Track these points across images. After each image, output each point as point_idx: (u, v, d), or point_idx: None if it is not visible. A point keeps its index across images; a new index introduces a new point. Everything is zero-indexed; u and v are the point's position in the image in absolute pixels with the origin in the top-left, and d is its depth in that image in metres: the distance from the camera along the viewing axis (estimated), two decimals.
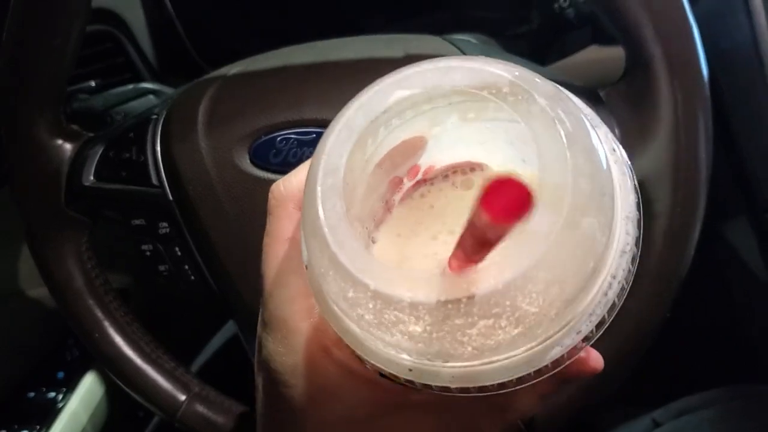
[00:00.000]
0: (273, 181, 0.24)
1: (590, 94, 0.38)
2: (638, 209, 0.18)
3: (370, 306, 0.17)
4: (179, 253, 0.42)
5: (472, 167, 0.23)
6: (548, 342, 0.17)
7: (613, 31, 0.35)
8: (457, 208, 0.23)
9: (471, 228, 0.15)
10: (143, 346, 0.44)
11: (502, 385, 0.18)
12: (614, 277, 0.17)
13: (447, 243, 0.22)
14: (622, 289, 0.18)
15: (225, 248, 0.41)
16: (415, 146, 0.22)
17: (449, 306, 0.16)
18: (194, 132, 0.40)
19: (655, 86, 0.34)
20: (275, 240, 0.23)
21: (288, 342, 0.22)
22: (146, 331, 0.45)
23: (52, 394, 0.57)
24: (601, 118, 0.36)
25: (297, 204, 0.23)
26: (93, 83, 0.57)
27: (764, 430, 0.47)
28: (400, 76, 0.19)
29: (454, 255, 0.17)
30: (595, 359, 0.22)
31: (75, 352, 0.62)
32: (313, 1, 0.66)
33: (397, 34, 0.45)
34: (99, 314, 0.43)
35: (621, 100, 0.36)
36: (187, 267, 0.43)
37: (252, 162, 0.40)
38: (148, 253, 0.43)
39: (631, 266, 0.18)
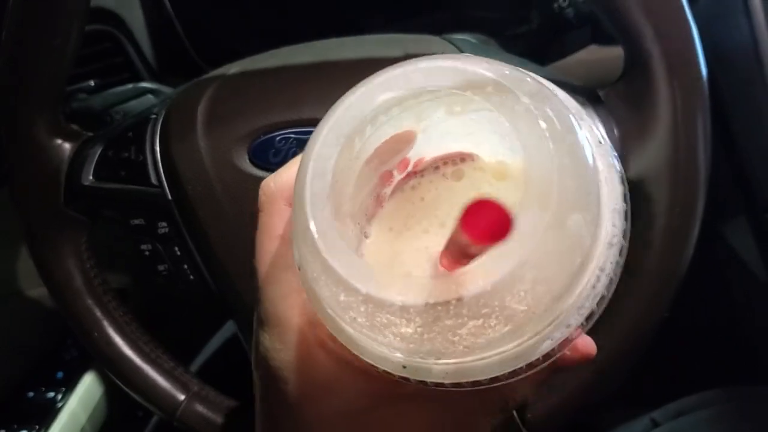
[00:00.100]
0: None
1: (589, 94, 0.38)
2: (625, 201, 0.19)
3: (362, 309, 0.17)
4: (178, 253, 0.42)
5: (462, 157, 0.24)
6: (538, 337, 0.17)
7: (613, 30, 0.35)
8: (448, 199, 0.23)
9: (453, 242, 0.16)
10: (142, 346, 0.44)
11: (494, 379, 0.18)
12: (602, 270, 0.17)
13: (438, 236, 0.22)
14: (611, 281, 0.18)
15: (224, 248, 0.41)
16: (404, 141, 0.22)
17: (439, 308, 0.17)
18: (193, 131, 0.40)
19: (654, 86, 0.34)
20: (267, 237, 0.23)
21: (283, 338, 0.22)
22: (145, 331, 0.45)
23: (51, 394, 0.57)
24: (600, 118, 0.36)
25: (287, 200, 0.23)
26: (92, 83, 0.57)
27: (762, 430, 0.47)
28: (384, 77, 0.20)
29: (443, 254, 0.18)
30: (587, 345, 0.22)
31: (74, 352, 0.62)
32: (313, 1, 0.66)
33: (397, 34, 0.45)
34: (98, 314, 0.43)
35: (620, 100, 0.36)
36: (186, 267, 0.43)
37: (251, 161, 0.40)
38: (147, 253, 0.43)
39: (619, 258, 0.18)
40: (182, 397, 0.44)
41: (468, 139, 0.23)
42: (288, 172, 0.23)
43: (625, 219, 0.18)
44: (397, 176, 0.23)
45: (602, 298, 0.18)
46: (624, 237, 0.18)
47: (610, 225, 0.18)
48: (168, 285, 0.44)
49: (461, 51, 0.42)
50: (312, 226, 0.18)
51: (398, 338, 0.17)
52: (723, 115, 0.44)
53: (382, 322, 0.17)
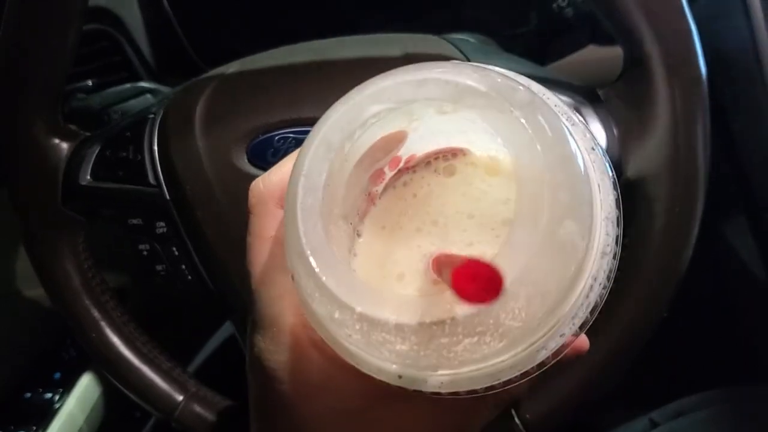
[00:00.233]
0: None
1: (589, 94, 0.38)
2: (618, 207, 0.18)
3: (357, 327, 0.18)
4: (176, 253, 0.42)
5: (453, 152, 0.24)
6: (532, 348, 0.17)
7: (612, 30, 0.35)
8: (440, 196, 0.23)
9: (443, 273, 0.16)
10: (140, 346, 0.44)
11: (490, 388, 0.18)
12: (595, 279, 0.18)
13: (431, 234, 0.22)
14: (604, 288, 0.18)
15: (222, 248, 0.41)
16: (394, 140, 0.22)
17: (434, 327, 0.17)
18: (191, 131, 0.40)
19: (653, 85, 0.34)
20: (258, 239, 0.23)
21: (278, 339, 0.22)
22: (143, 331, 0.45)
23: (49, 395, 0.57)
24: (600, 118, 0.36)
25: (278, 202, 0.23)
26: (90, 82, 0.57)
27: (762, 430, 0.47)
28: (375, 89, 0.19)
29: (434, 264, 0.18)
30: (579, 341, 0.23)
31: (72, 353, 0.61)
32: (312, 1, 0.65)
33: (396, 34, 0.45)
34: (96, 314, 0.43)
35: (620, 100, 0.36)
36: (184, 267, 0.43)
37: (250, 161, 0.40)
38: (145, 253, 0.43)
39: (612, 265, 0.18)
40: (180, 397, 0.44)
41: (460, 135, 0.23)
42: (277, 173, 0.23)
43: (617, 225, 0.18)
44: (389, 173, 0.23)
45: (595, 306, 0.18)
46: (617, 243, 0.18)
47: (603, 234, 0.18)
48: (166, 285, 0.44)
49: (461, 51, 0.42)
50: (305, 244, 0.18)
51: (394, 354, 0.17)
52: (722, 115, 0.44)
53: (377, 340, 0.17)
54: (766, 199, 0.44)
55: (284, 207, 0.20)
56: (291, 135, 0.39)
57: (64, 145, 0.42)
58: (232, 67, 0.44)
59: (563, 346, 0.18)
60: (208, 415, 0.44)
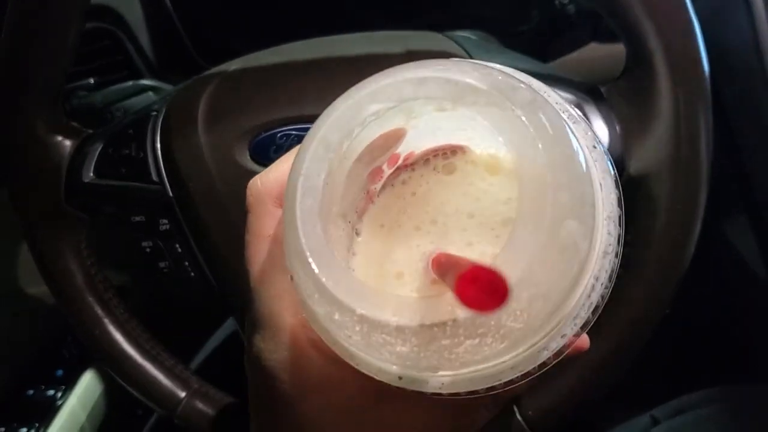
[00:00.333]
0: None
1: (591, 90, 0.38)
2: (620, 206, 0.18)
3: (357, 329, 0.18)
4: (179, 250, 0.42)
5: (453, 150, 0.23)
6: (534, 348, 0.17)
7: (614, 27, 0.35)
8: (439, 194, 0.23)
9: (444, 277, 0.16)
10: (143, 343, 0.44)
11: (491, 388, 0.18)
12: (597, 279, 0.17)
13: (430, 233, 0.22)
14: (606, 288, 0.18)
15: (225, 245, 0.41)
16: (393, 138, 0.22)
17: (435, 329, 0.17)
18: (194, 128, 0.40)
19: (655, 82, 0.34)
20: (257, 238, 0.23)
21: (277, 339, 0.22)
22: (146, 328, 0.45)
23: (51, 392, 0.57)
24: (602, 114, 0.36)
25: (276, 200, 0.23)
26: (92, 80, 0.57)
27: (762, 429, 0.47)
28: (374, 87, 0.19)
29: (434, 264, 0.18)
30: (580, 340, 0.23)
31: (74, 350, 0.62)
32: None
33: (398, 31, 0.45)
34: (99, 311, 0.43)
35: (622, 96, 0.36)
36: (187, 264, 0.43)
37: (252, 158, 0.40)
38: (148, 250, 0.43)
39: (614, 264, 0.18)
40: (183, 394, 0.44)
41: (459, 134, 0.23)
42: (275, 171, 0.23)
43: (619, 224, 0.18)
44: (387, 171, 0.23)
45: (597, 306, 0.18)
46: (618, 242, 0.18)
47: (605, 233, 0.18)
48: (169, 282, 0.44)
49: (463, 48, 0.42)
50: (304, 245, 0.18)
51: (394, 356, 0.17)
52: (724, 112, 0.44)
53: (377, 341, 0.17)
54: (767, 198, 0.45)
55: (283, 207, 0.19)
56: (293, 132, 0.39)
57: (67, 143, 0.42)
58: (234, 65, 0.44)
59: (565, 347, 0.18)
60: (211, 412, 0.44)
